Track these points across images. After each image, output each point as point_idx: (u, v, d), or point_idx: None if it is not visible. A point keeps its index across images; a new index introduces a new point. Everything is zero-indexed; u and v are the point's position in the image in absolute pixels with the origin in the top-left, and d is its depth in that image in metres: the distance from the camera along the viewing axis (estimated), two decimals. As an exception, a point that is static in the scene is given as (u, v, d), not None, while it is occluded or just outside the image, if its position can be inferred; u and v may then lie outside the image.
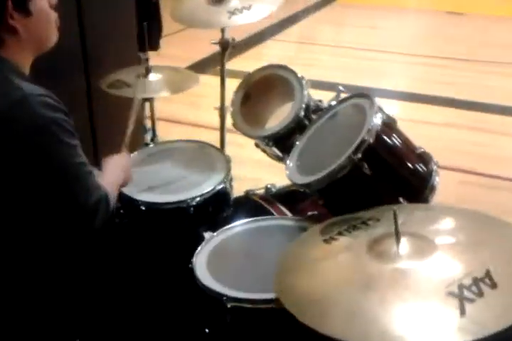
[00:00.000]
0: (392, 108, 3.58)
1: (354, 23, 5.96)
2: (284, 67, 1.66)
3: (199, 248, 1.30)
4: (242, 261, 1.28)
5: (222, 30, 1.78)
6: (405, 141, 1.39)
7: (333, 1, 6.94)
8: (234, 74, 4.46)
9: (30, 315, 1.14)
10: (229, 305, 1.14)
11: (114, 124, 1.68)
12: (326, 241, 1.14)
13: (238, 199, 1.70)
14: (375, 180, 1.31)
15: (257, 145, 1.76)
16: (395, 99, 3.81)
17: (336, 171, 1.28)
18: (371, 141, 1.27)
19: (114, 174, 1.35)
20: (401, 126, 1.39)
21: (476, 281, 0.91)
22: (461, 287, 0.90)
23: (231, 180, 1.69)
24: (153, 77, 1.77)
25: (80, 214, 1.13)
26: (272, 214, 1.59)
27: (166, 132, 3.20)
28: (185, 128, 3.39)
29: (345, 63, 4.63)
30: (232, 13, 1.62)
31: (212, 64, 4.65)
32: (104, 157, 1.64)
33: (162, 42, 3.18)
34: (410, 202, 1.34)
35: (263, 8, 1.66)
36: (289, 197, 1.68)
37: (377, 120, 1.30)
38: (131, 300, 1.26)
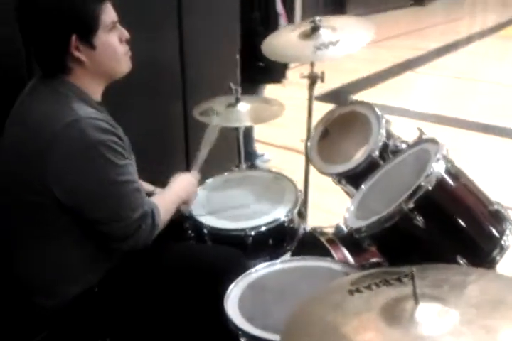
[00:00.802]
0: None
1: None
2: (366, 105, 1.61)
3: (238, 278, 1.31)
4: (274, 299, 1.25)
5: (312, 64, 1.79)
6: (475, 195, 1.26)
7: (494, 33, 6.50)
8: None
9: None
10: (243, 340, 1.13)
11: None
12: (350, 291, 1.08)
13: (304, 235, 1.67)
14: (429, 234, 1.21)
15: (334, 182, 1.72)
16: None
17: (384, 219, 1.21)
18: (429, 188, 1.17)
19: (174, 192, 1.45)
20: None
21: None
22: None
23: (300, 214, 1.67)
24: (242, 106, 1.84)
25: (122, 228, 1.22)
26: (331, 256, 1.54)
27: (276, 158, 3.26)
28: (293, 155, 3.39)
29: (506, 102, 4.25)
30: (318, 48, 1.62)
31: (344, 94, 4.63)
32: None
33: (296, 70, 3.27)
34: (471, 263, 1.22)
35: (350, 45, 1.63)
36: (356, 241, 1.61)
37: (439, 167, 1.20)
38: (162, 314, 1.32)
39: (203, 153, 1.62)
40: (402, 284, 1.07)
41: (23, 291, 1.31)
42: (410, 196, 1.18)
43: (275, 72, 2.89)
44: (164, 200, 1.38)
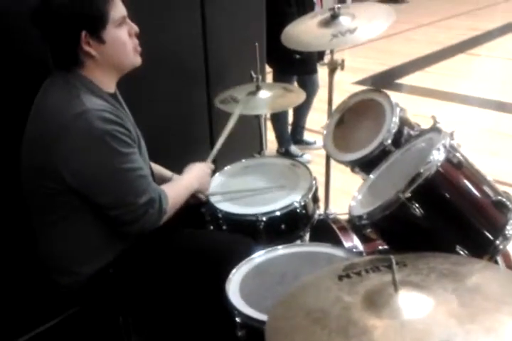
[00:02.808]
0: None
1: None
2: (381, 93, 1.60)
3: (242, 262, 1.37)
4: (274, 283, 1.30)
5: (331, 52, 1.79)
6: (477, 186, 1.24)
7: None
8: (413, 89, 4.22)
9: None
10: (238, 320, 1.18)
11: (229, 136, 1.83)
12: (340, 277, 1.11)
13: (318, 222, 1.70)
14: (427, 223, 1.20)
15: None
16: None
17: (383, 208, 1.22)
18: (427, 177, 1.17)
19: (186, 181, 1.52)
20: None
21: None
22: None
23: (315, 200, 1.70)
24: (262, 94, 1.87)
25: (128, 213, 1.30)
26: (341, 244, 1.57)
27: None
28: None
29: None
30: (335, 35, 1.62)
31: (390, 78, 4.53)
32: (221, 165, 1.83)
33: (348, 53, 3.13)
34: (472, 253, 1.22)
35: (368, 32, 1.61)
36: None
37: (439, 156, 1.19)
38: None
39: (218, 143, 1.67)
40: (390, 271, 1.09)
41: (44, 271, 1.42)
42: (408, 185, 1.18)
43: (310, 64, 2.88)
44: (175, 188, 1.44)
